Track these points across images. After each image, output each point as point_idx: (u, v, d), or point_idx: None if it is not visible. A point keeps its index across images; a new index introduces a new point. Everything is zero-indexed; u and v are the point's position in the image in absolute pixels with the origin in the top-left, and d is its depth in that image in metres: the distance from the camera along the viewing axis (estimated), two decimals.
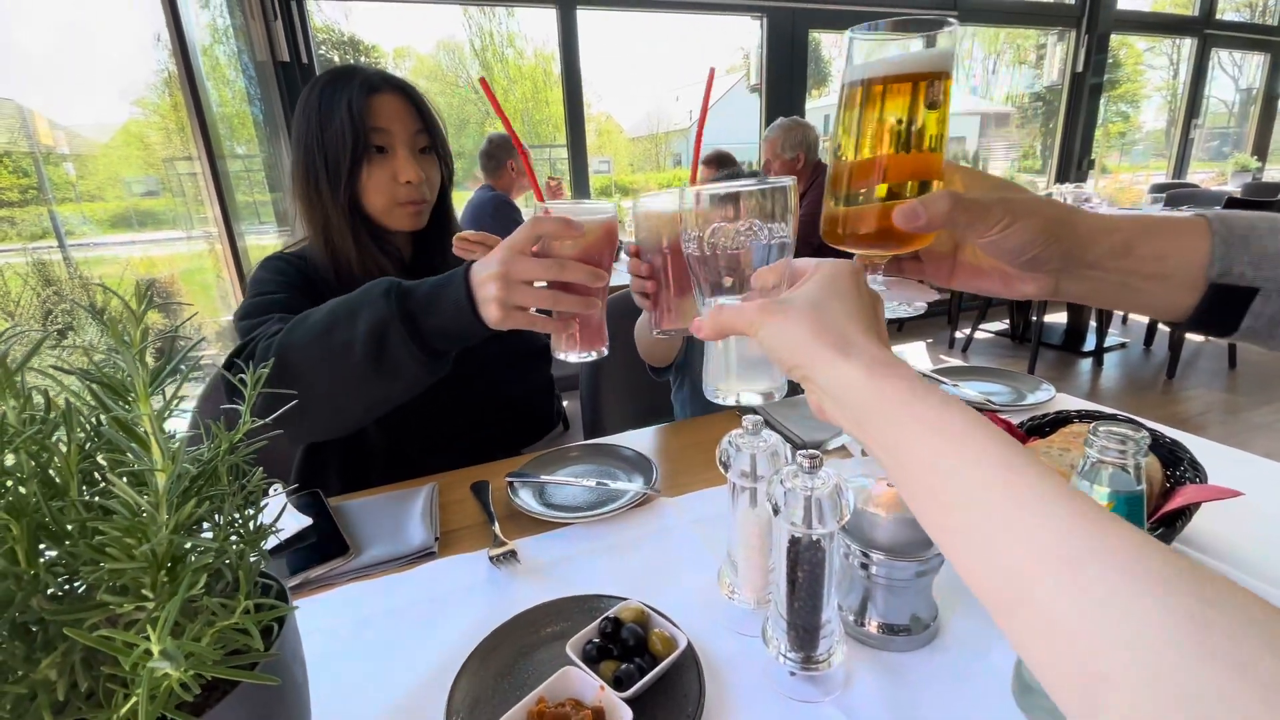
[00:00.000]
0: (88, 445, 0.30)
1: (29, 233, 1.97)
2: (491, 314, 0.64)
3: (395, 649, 0.56)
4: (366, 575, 0.67)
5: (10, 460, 0.29)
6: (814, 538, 0.46)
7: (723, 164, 3.04)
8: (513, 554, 0.68)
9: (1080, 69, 4.49)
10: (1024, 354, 3.59)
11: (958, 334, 4.03)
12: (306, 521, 0.73)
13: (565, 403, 2.81)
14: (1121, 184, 5.35)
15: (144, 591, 0.27)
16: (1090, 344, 3.56)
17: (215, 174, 2.10)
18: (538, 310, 0.65)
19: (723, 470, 0.54)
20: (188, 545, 0.28)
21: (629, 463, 0.88)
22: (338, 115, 0.87)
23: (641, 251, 0.70)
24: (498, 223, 2.62)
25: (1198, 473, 0.62)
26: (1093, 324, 3.57)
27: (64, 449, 0.29)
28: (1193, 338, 3.71)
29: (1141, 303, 0.47)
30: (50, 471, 0.29)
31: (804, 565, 0.46)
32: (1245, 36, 5.40)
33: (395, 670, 0.54)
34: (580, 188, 3.56)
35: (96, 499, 0.29)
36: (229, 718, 0.32)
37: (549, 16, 3.33)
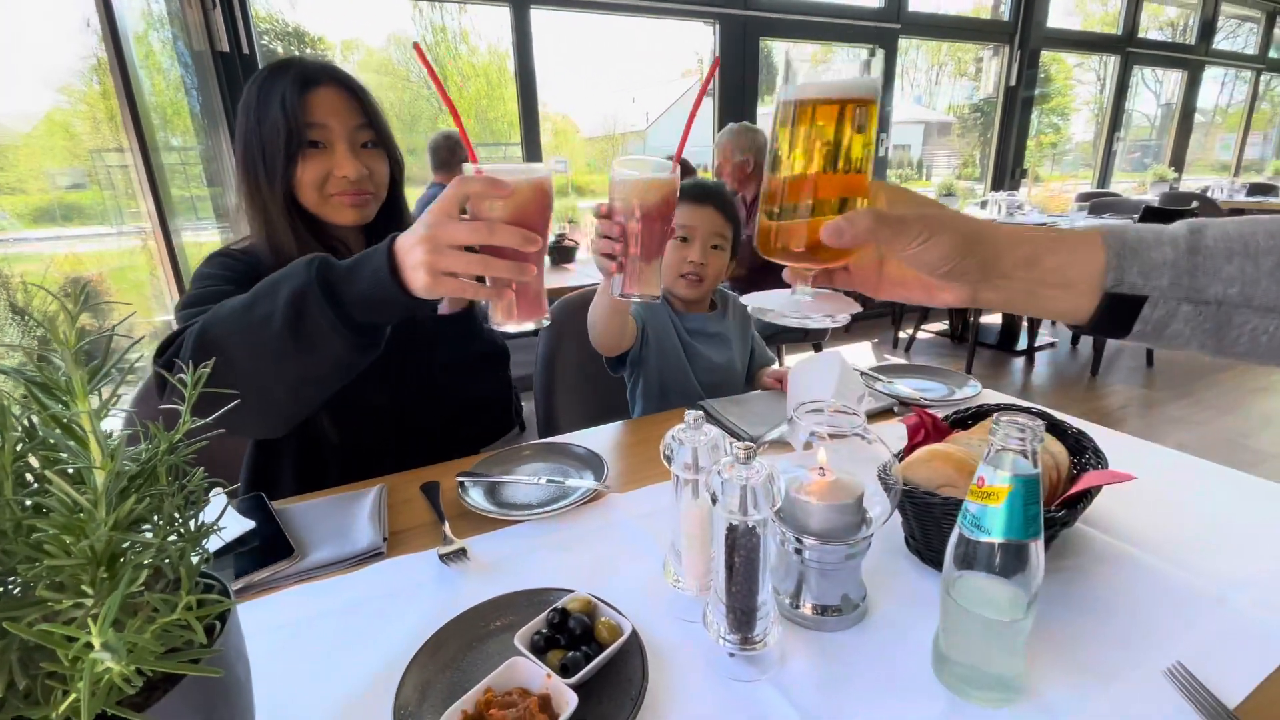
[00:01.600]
0: (19, 446, 0.29)
1: None
2: (419, 280, 0.61)
3: (342, 647, 0.56)
4: (313, 577, 0.66)
5: None
6: (749, 524, 0.48)
7: (681, 169, 3.08)
8: (463, 552, 0.69)
9: (1013, 83, 4.74)
10: (962, 353, 3.77)
11: (901, 334, 4.19)
12: (249, 525, 0.72)
13: (522, 401, 2.79)
14: (1052, 192, 5.66)
15: (84, 588, 0.27)
16: (1023, 344, 3.77)
17: (149, 167, 2.00)
18: (473, 278, 0.62)
19: (666, 464, 0.56)
20: (127, 543, 0.29)
21: (580, 460, 0.89)
22: (273, 110, 0.86)
23: (613, 214, 0.71)
24: None
25: (1100, 460, 0.68)
26: (1025, 325, 3.77)
27: (1, 445, 0.29)
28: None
29: (1048, 309, 0.52)
30: None
31: (740, 551, 0.49)
32: (1165, 55, 5.80)
33: (342, 668, 0.54)
34: None
35: (31, 499, 0.29)
36: (172, 713, 0.33)
37: (502, 14, 3.31)
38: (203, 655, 0.33)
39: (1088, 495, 0.60)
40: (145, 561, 0.28)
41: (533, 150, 3.53)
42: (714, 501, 0.48)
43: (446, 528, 0.73)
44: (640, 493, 0.82)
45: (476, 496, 0.80)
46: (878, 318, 4.76)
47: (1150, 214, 3.11)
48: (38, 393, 0.28)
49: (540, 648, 0.52)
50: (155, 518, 0.31)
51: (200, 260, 0.93)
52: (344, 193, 0.91)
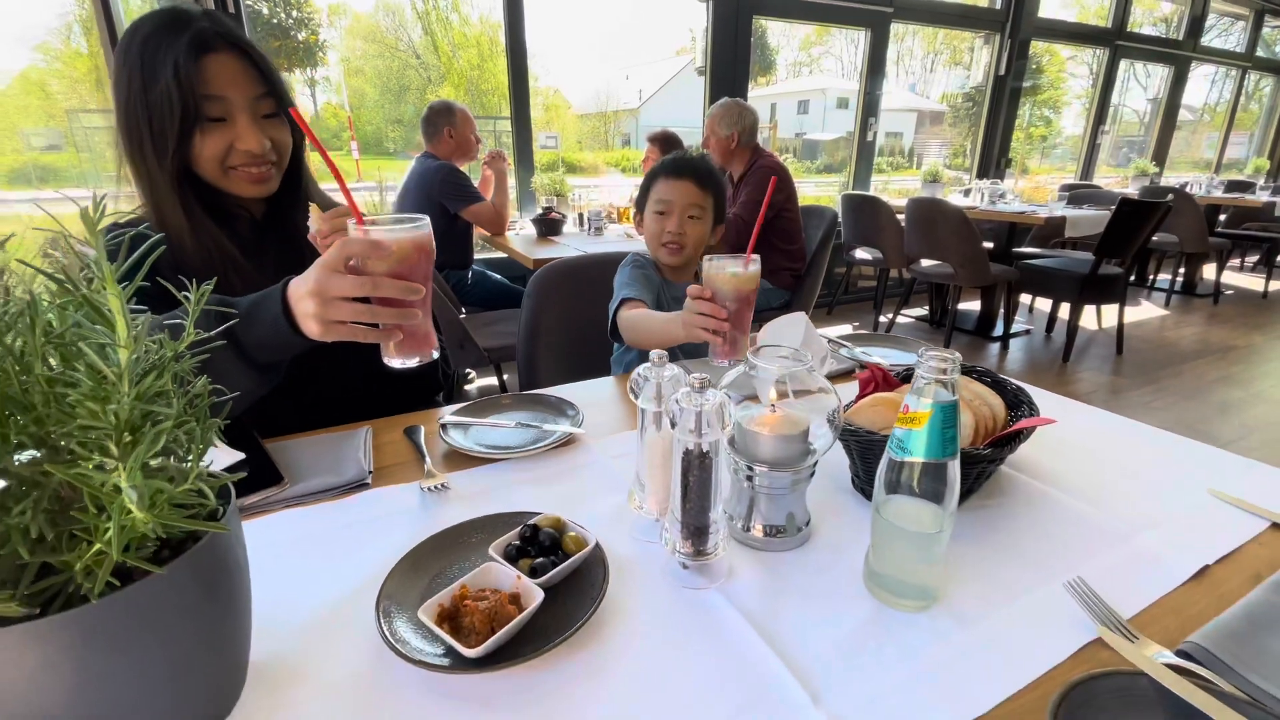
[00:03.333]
0: (50, 327, 0.34)
1: None
2: (312, 329, 0.68)
3: (330, 560, 0.61)
4: (300, 504, 0.71)
5: None
6: (703, 448, 0.54)
7: (669, 144, 3.11)
8: (444, 485, 0.74)
9: (1002, 72, 4.78)
10: (941, 337, 3.85)
11: (882, 318, 4.26)
12: (239, 456, 0.76)
13: (506, 376, 2.82)
14: (1038, 184, 5.73)
15: (110, 448, 0.32)
16: (999, 330, 3.86)
17: None
18: (362, 324, 0.68)
19: (633, 397, 0.62)
20: (148, 411, 0.33)
21: (557, 409, 0.94)
22: (162, 77, 0.78)
23: (718, 300, 0.91)
24: (447, 190, 2.60)
25: (1032, 410, 0.74)
26: (1001, 312, 3.86)
27: (31, 329, 0.33)
28: (1087, 326, 4.07)
29: None
30: (20, 349, 0.33)
31: (694, 471, 0.55)
32: (1153, 49, 5.86)
33: (330, 575, 0.59)
34: (525, 162, 3.54)
35: (62, 373, 0.33)
36: (182, 574, 0.37)
37: None
38: (213, 529, 0.38)
39: (1016, 438, 0.66)
40: (166, 427, 0.33)
41: (523, 124, 3.52)
42: (673, 425, 0.53)
43: (429, 463, 0.78)
44: (613, 438, 0.87)
45: (458, 437, 0.84)
46: (859, 301, 4.84)
47: (1125, 205, 3.19)
48: (72, 280, 0.32)
49: (512, 557, 0.57)
50: (170, 400, 0.36)
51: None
52: (246, 165, 0.87)
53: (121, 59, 0.80)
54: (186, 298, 0.43)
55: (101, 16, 1.88)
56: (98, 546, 0.33)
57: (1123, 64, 5.68)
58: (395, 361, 0.73)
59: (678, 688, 0.47)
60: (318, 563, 0.61)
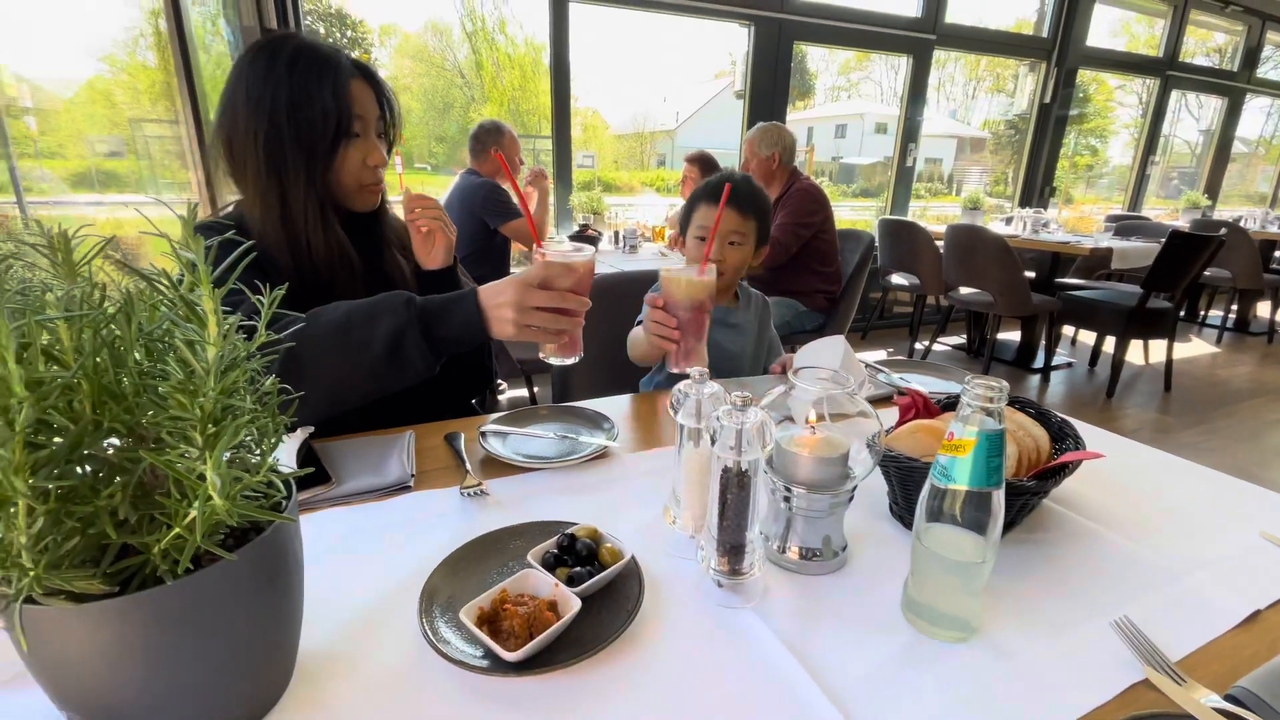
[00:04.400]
0: (147, 323, 0.36)
1: None
2: (506, 331, 0.84)
3: (373, 558, 0.63)
4: (345, 503, 0.73)
5: (81, 336, 0.35)
6: (742, 466, 0.54)
7: (707, 165, 3.14)
8: (483, 490, 0.75)
9: (1048, 100, 4.71)
10: (978, 368, 3.77)
11: (917, 345, 4.20)
12: (293, 447, 0.78)
13: (536, 389, 2.86)
14: (1082, 214, 5.61)
15: (194, 437, 0.34)
16: (1039, 361, 3.76)
17: (200, 139, 2.11)
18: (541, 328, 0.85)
19: (673, 413, 0.63)
20: (229, 404, 0.35)
21: (592, 421, 0.95)
22: (320, 96, 0.89)
23: (669, 308, 0.94)
24: (489, 207, 2.67)
25: (1078, 444, 0.73)
26: (1043, 343, 3.77)
27: (128, 325, 0.35)
28: (1133, 361, 3.93)
29: None
30: (114, 343, 0.36)
31: (733, 489, 0.55)
32: (1206, 80, 5.72)
33: (373, 573, 0.61)
34: (564, 180, 3.61)
35: (154, 366, 0.36)
36: (249, 561, 0.39)
37: (541, 5, 3.38)
38: (278, 519, 0.40)
39: (1061, 471, 0.65)
40: (243, 421, 0.35)
41: (563, 144, 3.60)
42: (713, 441, 0.54)
43: (469, 468, 0.79)
44: (647, 454, 0.88)
45: (495, 445, 0.86)
46: (894, 327, 4.77)
47: (1176, 238, 3.10)
48: (169, 279, 0.35)
49: (550, 565, 0.58)
50: (245, 396, 0.38)
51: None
52: (372, 182, 0.99)
53: (261, 78, 0.88)
54: (260, 301, 0.45)
55: (175, 38, 2.00)
56: (176, 530, 0.35)
57: (1174, 94, 5.55)
58: (553, 359, 0.90)
59: (711, 704, 0.47)
60: (361, 560, 0.63)
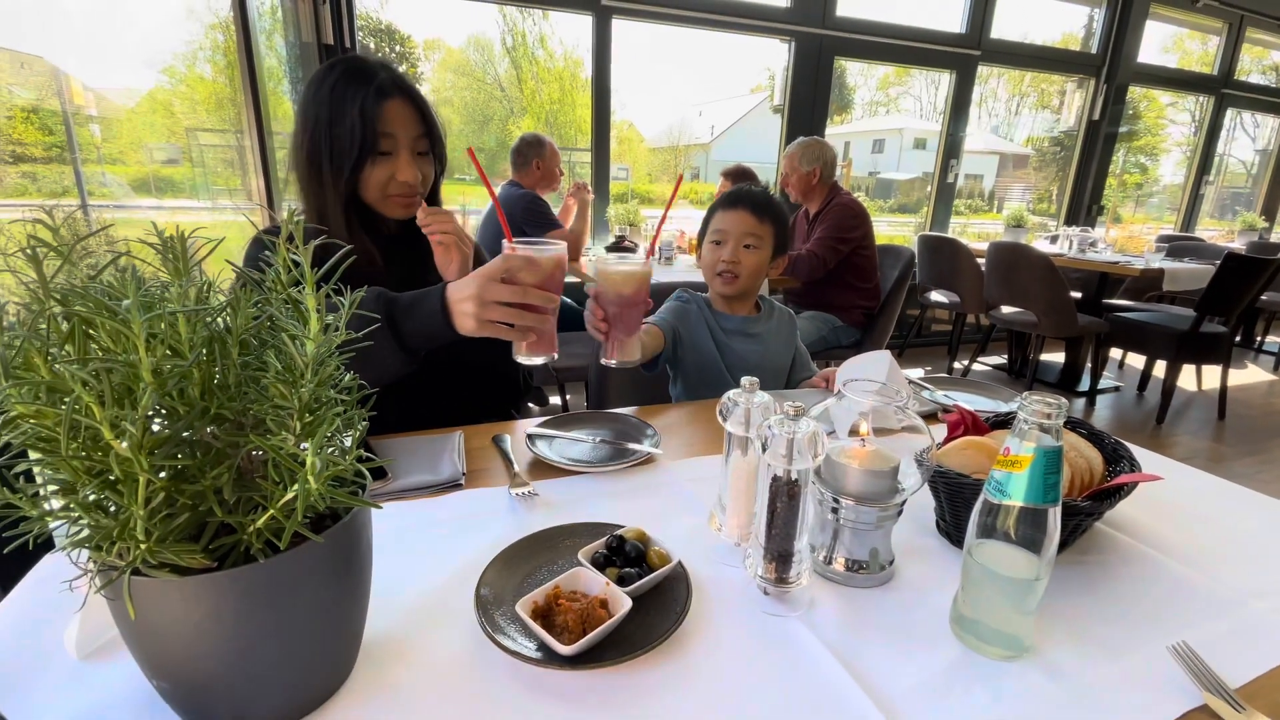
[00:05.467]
0: (253, 318, 0.39)
1: (49, 190, 2.02)
2: (467, 325, 0.82)
3: (428, 551, 0.66)
4: (400, 498, 0.76)
5: (195, 329, 0.38)
6: (793, 475, 0.55)
7: (742, 178, 3.15)
8: (533, 493, 0.77)
9: (1096, 117, 4.60)
10: (1020, 389, 3.68)
11: (956, 364, 4.11)
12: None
13: (569, 396, 2.90)
14: (1131, 233, 5.44)
15: (293, 425, 0.37)
16: (1085, 384, 3.65)
17: (263, 149, 2.21)
18: (506, 324, 0.82)
19: (721, 420, 0.64)
20: (325, 397, 0.38)
21: (635, 429, 0.97)
22: (349, 115, 0.95)
23: (600, 299, 0.91)
24: (529, 217, 2.73)
25: (1133, 466, 0.71)
26: (1088, 366, 3.66)
27: (234, 319, 0.38)
28: (1185, 386, 3.79)
29: None
30: (222, 337, 0.39)
31: (782, 498, 0.56)
32: (1262, 99, 5.52)
33: (429, 565, 0.63)
34: (601, 192, 3.67)
35: (252, 359, 0.39)
36: (331, 544, 0.42)
37: (584, 22, 3.45)
38: (359, 503, 0.42)
39: (1117, 492, 0.64)
40: (336, 411, 0.37)
41: (602, 157, 3.66)
42: (763, 449, 0.55)
43: (517, 468, 0.82)
44: (688, 462, 0.89)
45: (542, 448, 0.88)
46: (932, 345, 4.69)
47: (1232, 260, 2.98)
48: (276, 280, 0.38)
49: (599, 564, 0.59)
50: (332, 389, 0.41)
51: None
52: (400, 194, 1.02)
53: (311, 97, 0.97)
54: (341, 301, 0.48)
55: (243, 54, 2.11)
56: (270, 512, 0.38)
57: (1229, 112, 5.37)
58: (524, 359, 0.85)
59: (761, 708, 0.48)
60: (417, 553, 0.66)
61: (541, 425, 0.97)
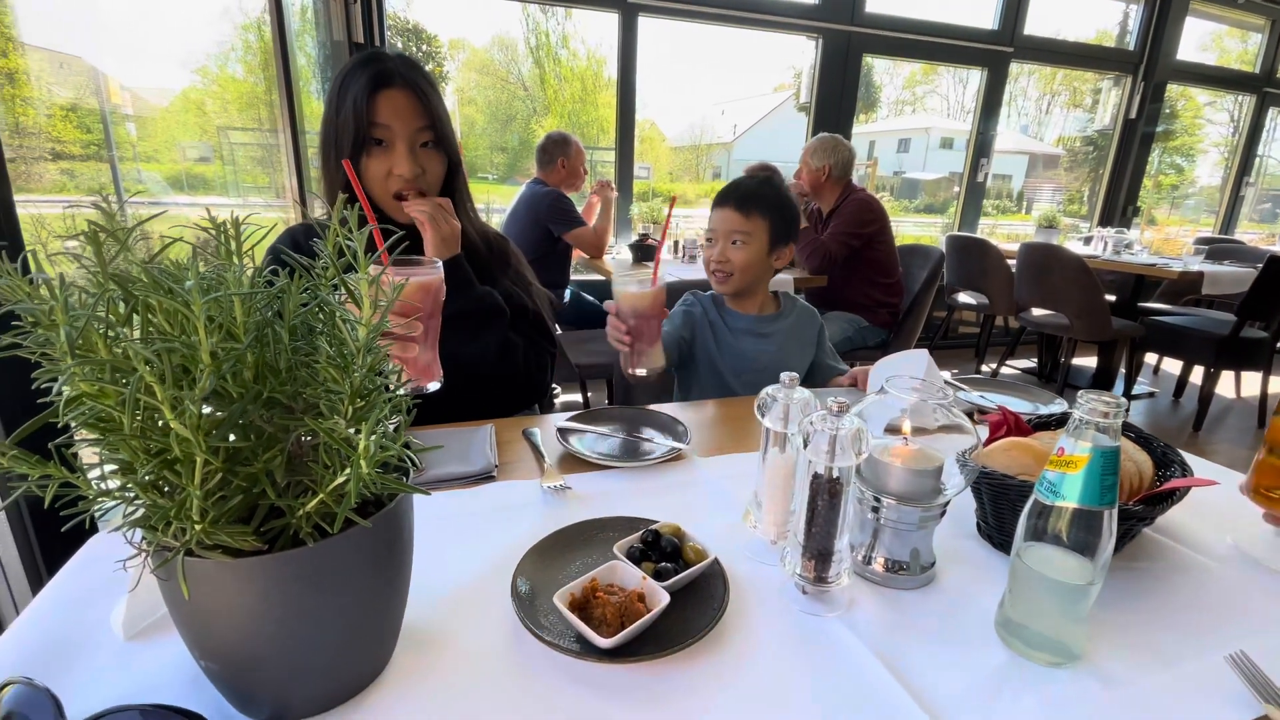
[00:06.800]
0: (304, 304, 0.40)
1: (86, 187, 2.07)
2: None
3: (463, 541, 0.66)
4: (433, 488, 0.77)
5: (250, 313, 0.39)
6: (835, 473, 0.54)
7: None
8: (565, 486, 0.77)
9: (1133, 116, 4.49)
10: (1052, 393, 3.59)
11: (984, 367, 4.04)
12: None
13: (590, 393, 2.91)
14: (1167, 235, 5.30)
15: (343, 409, 0.37)
16: (1119, 389, 3.55)
17: (296, 147, 2.25)
18: None
19: (759, 416, 0.63)
20: (375, 384, 0.38)
21: (664, 425, 0.96)
22: (347, 105, 0.94)
23: (620, 315, 0.97)
24: (554, 215, 2.74)
25: (1186, 472, 0.69)
26: (1123, 370, 3.57)
27: (285, 305, 0.39)
28: (1223, 393, 3.67)
29: None
30: (274, 322, 0.39)
31: (823, 496, 0.55)
32: None
33: (464, 555, 0.63)
34: (625, 191, 3.67)
35: (303, 343, 0.39)
36: (378, 528, 0.42)
37: (609, 20, 3.45)
38: (407, 490, 0.42)
39: (1170, 497, 0.62)
40: (386, 398, 0.37)
41: (626, 156, 3.66)
42: (805, 444, 0.54)
43: (549, 462, 0.82)
44: (720, 458, 0.88)
45: (574, 442, 0.88)
46: (959, 348, 4.61)
47: (1276, 264, 2.88)
48: (335, 265, 0.38)
49: (635, 558, 0.59)
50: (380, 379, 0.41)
51: None
52: (403, 191, 0.99)
53: (333, 88, 0.97)
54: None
55: (279, 55, 2.14)
56: (321, 496, 0.38)
57: (1270, 112, 5.19)
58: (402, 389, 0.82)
59: (800, 707, 0.47)
60: (453, 543, 0.66)
61: (572, 419, 0.97)
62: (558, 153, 2.81)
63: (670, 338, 1.24)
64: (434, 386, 0.83)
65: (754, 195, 1.25)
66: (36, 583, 1.06)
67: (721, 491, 0.79)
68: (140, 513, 0.36)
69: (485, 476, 0.79)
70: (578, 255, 3.06)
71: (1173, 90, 4.83)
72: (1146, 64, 4.40)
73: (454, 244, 1.01)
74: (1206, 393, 3.18)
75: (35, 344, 0.33)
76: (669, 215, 1.13)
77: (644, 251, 3.10)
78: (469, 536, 0.67)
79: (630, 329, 0.97)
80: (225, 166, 2.65)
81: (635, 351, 0.98)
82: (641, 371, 0.99)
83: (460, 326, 1.05)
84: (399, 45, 4.57)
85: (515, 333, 1.12)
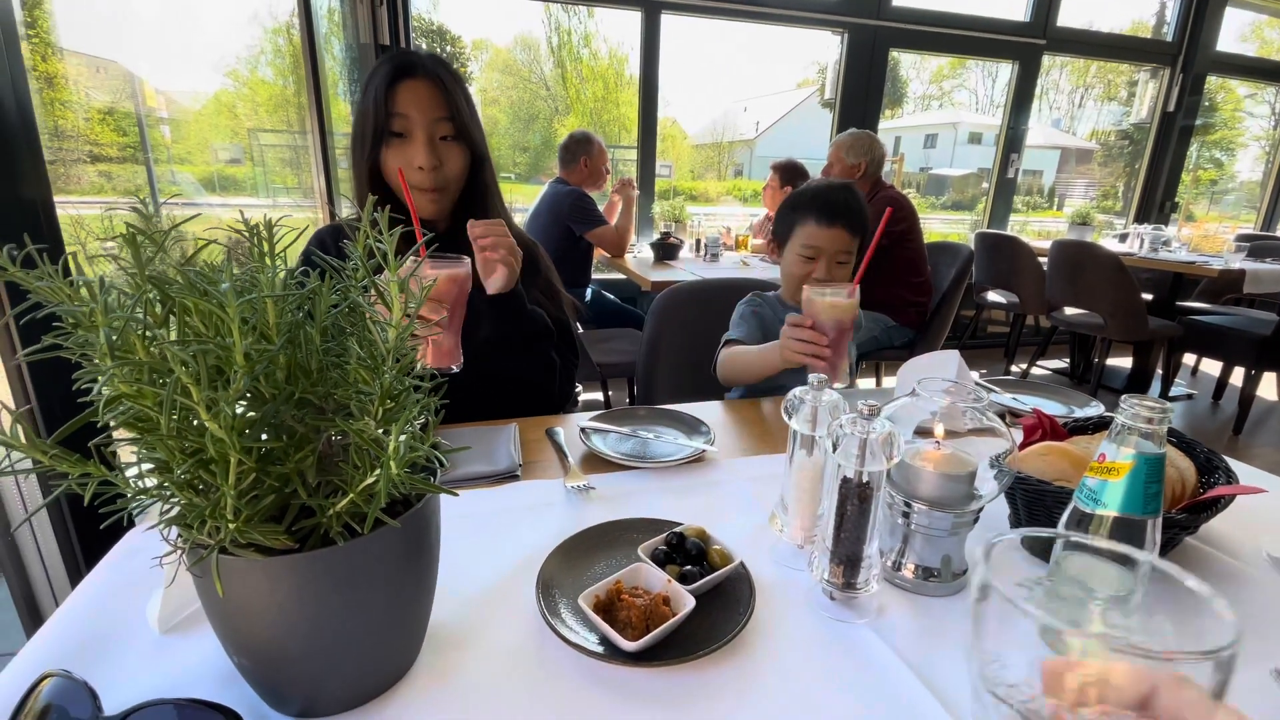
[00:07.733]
0: (334, 307, 0.40)
1: (123, 188, 2.13)
2: None
3: (487, 541, 0.66)
4: (457, 487, 0.77)
5: (282, 315, 0.39)
6: (864, 477, 0.53)
7: (792, 173, 3.10)
8: (589, 486, 0.77)
9: (1171, 109, 4.35)
10: (1085, 394, 3.50)
11: (1014, 368, 3.95)
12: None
13: (611, 392, 2.91)
14: (1206, 232, 5.13)
15: (374, 410, 0.37)
16: (1155, 391, 3.45)
17: (324, 149, 2.28)
18: None
19: (786, 418, 0.62)
20: (404, 385, 0.38)
21: (689, 425, 0.96)
22: (369, 96, 0.95)
23: (819, 328, 0.96)
24: (576, 214, 2.75)
25: (1231, 478, 0.66)
26: (1159, 372, 3.46)
27: (316, 306, 0.39)
28: (1265, 395, 3.55)
29: None
30: (305, 323, 0.39)
31: (853, 501, 0.54)
32: None
33: (489, 555, 0.63)
34: (647, 190, 3.66)
35: (333, 345, 0.39)
36: (409, 527, 0.42)
37: (632, 19, 3.44)
38: (434, 490, 0.42)
39: (1215, 504, 0.60)
40: (415, 399, 0.37)
41: (648, 155, 3.65)
42: (834, 448, 0.53)
43: (572, 461, 0.82)
44: (745, 460, 0.87)
45: (597, 442, 0.88)
46: (987, 347, 4.52)
47: None
48: (357, 263, 0.38)
49: (660, 561, 0.58)
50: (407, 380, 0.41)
51: None
52: (425, 187, 0.98)
53: (360, 91, 1.00)
54: None
55: (307, 57, 2.18)
56: (351, 496, 0.38)
57: None
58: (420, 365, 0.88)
59: (827, 715, 0.46)
60: (476, 542, 0.66)
61: (595, 419, 0.96)
62: (580, 152, 2.82)
63: (750, 339, 1.23)
64: (455, 369, 0.87)
65: (859, 211, 1.23)
66: (75, 575, 1.09)
67: (747, 494, 0.78)
68: (176, 511, 0.37)
69: (509, 476, 0.79)
70: (599, 254, 3.06)
71: (1212, 82, 4.67)
72: (1185, 55, 4.26)
73: (514, 278, 0.99)
74: (1247, 395, 3.07)
75: (76, 345, 0.34)
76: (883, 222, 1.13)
77: (665, 250, 3.09)
78: (493, 536, 0.67)
79: (830, 342, 0.95)
80: (255, 168, 2.71)
81: (830, 365, 0.97)
82: (842, 384, 0.99)
83: (509, 349, 1.06)
84: (424, 46, 4.61)
85: (555, 351, 1.14)
